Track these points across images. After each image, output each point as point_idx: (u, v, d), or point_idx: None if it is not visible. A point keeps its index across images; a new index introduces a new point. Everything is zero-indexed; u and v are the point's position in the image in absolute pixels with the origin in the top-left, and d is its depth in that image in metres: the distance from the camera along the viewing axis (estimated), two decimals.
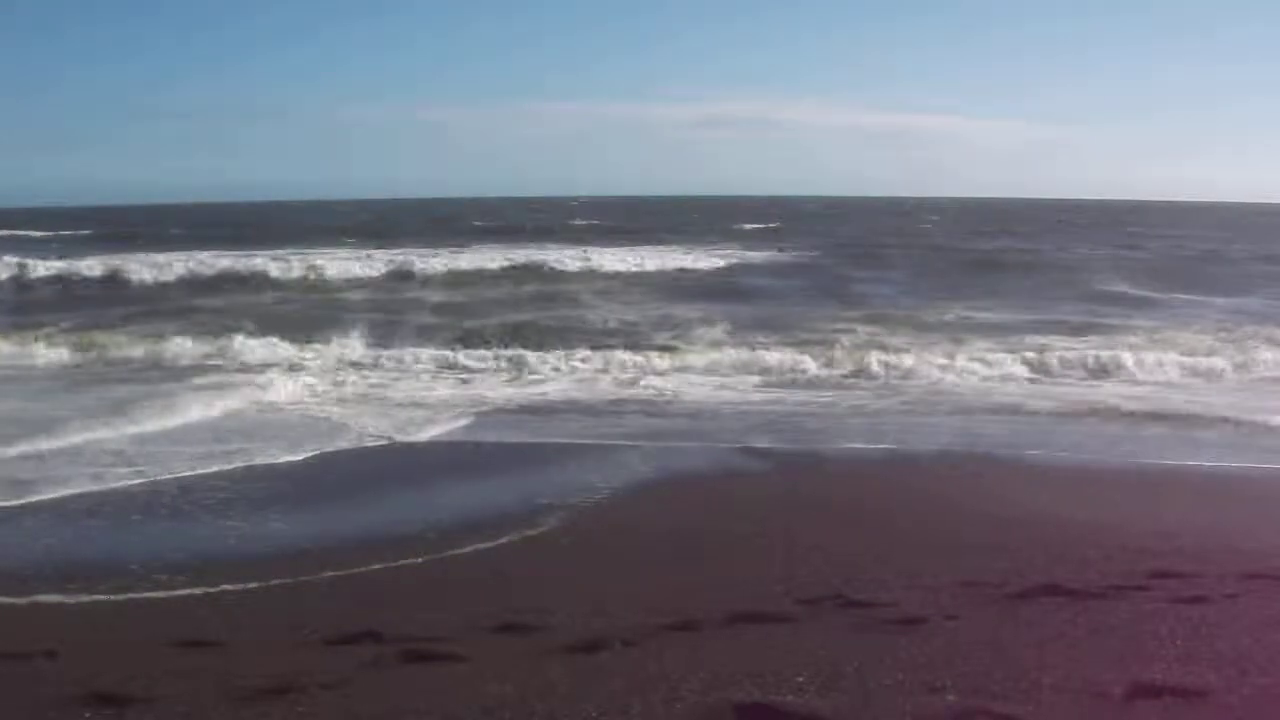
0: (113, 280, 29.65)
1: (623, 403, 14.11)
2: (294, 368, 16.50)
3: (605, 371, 16.30)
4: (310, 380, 14.90)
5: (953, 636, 4.94)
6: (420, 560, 7.33)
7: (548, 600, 6.16)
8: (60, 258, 33.93)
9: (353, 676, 4.64)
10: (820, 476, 10.16)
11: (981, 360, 17.05)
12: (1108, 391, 14.84)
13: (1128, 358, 16.96)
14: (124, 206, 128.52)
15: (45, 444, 10.78)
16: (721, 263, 35.41)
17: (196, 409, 12.68)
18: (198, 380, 15.22)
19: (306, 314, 23.49)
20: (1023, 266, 35.61)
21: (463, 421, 12.65)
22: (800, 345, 18.91)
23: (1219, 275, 32.67)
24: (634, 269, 31.85)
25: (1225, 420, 12.53)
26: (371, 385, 15.09)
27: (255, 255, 36.49)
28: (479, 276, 30.51)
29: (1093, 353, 17.70)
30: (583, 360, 17.24)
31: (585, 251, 36.98)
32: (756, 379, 15.85)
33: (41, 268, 30.97)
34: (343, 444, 11.40)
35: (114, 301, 25.82)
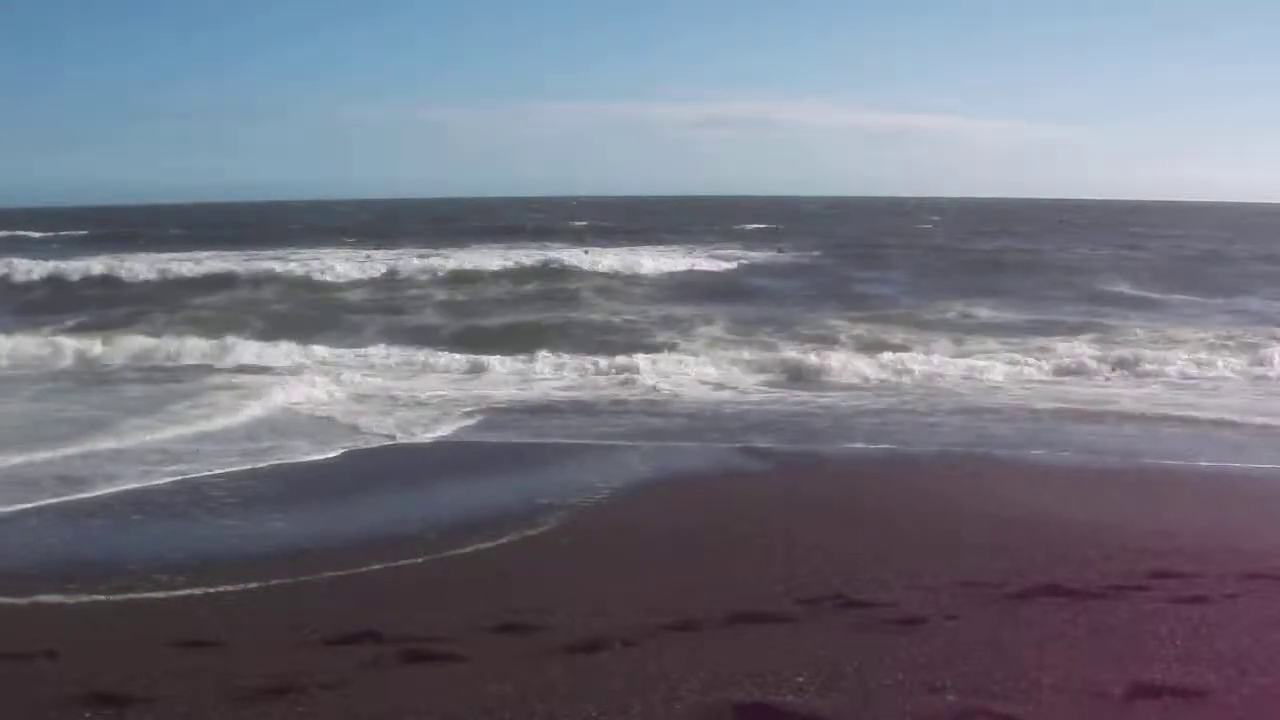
0: (113, 280, 29.62)
1: (623, 402, 14.10)
2: (304, 370, 16.53)
3: (606, 371, 16.30)
4: (323, 381, 14.91)
5: (953, 636, 4.94)
6: (420, 560, 7.33)
7: (548, 600, 6.16)
8: (60, 258, 33.91)
9: (353, 676, 4.64)
10: (820, 476, 10.16)
11: (982, 360, 17.07)
12: (1109, 392, 14.85)
13: (1130, 358, 16.98)
14: (124, 206, 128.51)
15: (102, 444, 10.95)
16: (721, 263, 35.40)
17: (223, 411, 12.80)
18: (214, 380, 15.35)
19: (309, 314, 23.50)
20: (1023, 266, 35.60)
21: (463, 422, 12.64)
22: (800, 345, 18.94)
23: (1222, 275, 32.68)
24: (634, 269, 31.83)
25: (1227, 422, 12.53)
26: (374, 385, 15.08)
27: (256, 255, 36.53)
28: (480, 276, 30.51)
29: (1094, 353, 17.73)
30: (583, 360, 17.30)
31: (587, 251, 37.00)
32: (756, 379, 15.86)
33: (40, 268, 30.93)
34: (351, 445, 11.36)
35: (116, 301, 25.83)
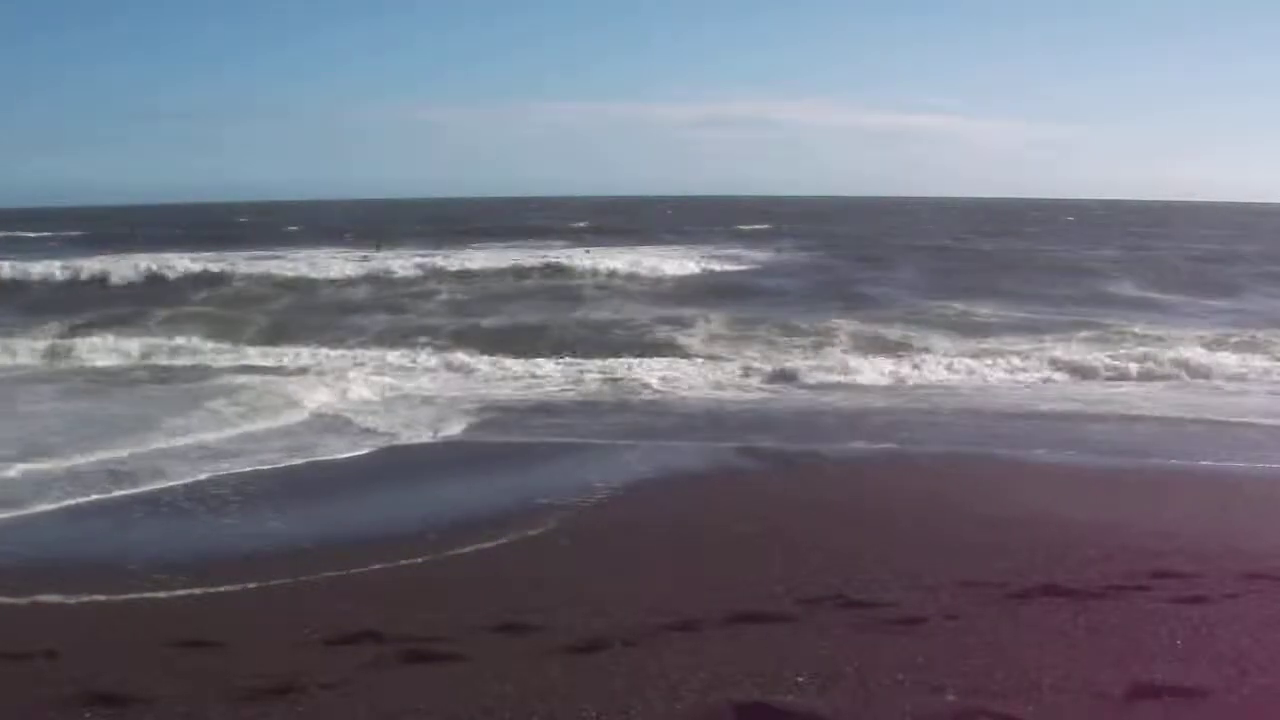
0: (113, 280, 29.61)
1: (623, 402, 14.12)
2: (308, 369, 16.60)
3: (606, 371, 16.31)
4: (355, 380, 15.07)
5: (953, 636, 4.94)
6: (420, 560, 7.32)
7: (548, 600, 6.16)
8: (59, 258, 33.89)
9: (353, 676, 4.64)
10: (820, 476, 10.16)
11: (982, 360, 17.08)
12: (1109, 392, 14.85)
13: (1131, 357, 16.99)
14: (121, 207, 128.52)
15: (155, 443, 11.07)
16: (721, 263, 35.38)
17: (260, 412, 12.87)
18: (230, 381, 15.40)
19: (311, 315, 23.47)
20: (1024, 266, 35.60)
21: (464, 421, 12.64)
22: (800, 344, 18.96)
23: (1223, 276, 32.66)
24: (635, 269, 31.83)
25: (1228, 422, 12.54)
26: (377, 385, 15.07)
27: (256, 255, 36.53)
28: (481, 277, 30.49)
29: (1093, 353, 17.73)
30: (584, 359, 17.35)
31: (589, 252, 37.03)
32: (755, 378, 15.86)
33: (40, 268, 30.90)
34: (358, 445, 11.36)
35: (117, 301, 25.87)
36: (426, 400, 14.04)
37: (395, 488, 9.88)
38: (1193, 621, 5.01)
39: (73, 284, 29.21)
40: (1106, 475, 10.05)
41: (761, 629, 5.33)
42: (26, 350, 18.59)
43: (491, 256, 35.57)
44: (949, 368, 16.41)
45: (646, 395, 14.66)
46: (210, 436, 11.52)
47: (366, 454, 11.03)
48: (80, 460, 10.29)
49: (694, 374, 16.07)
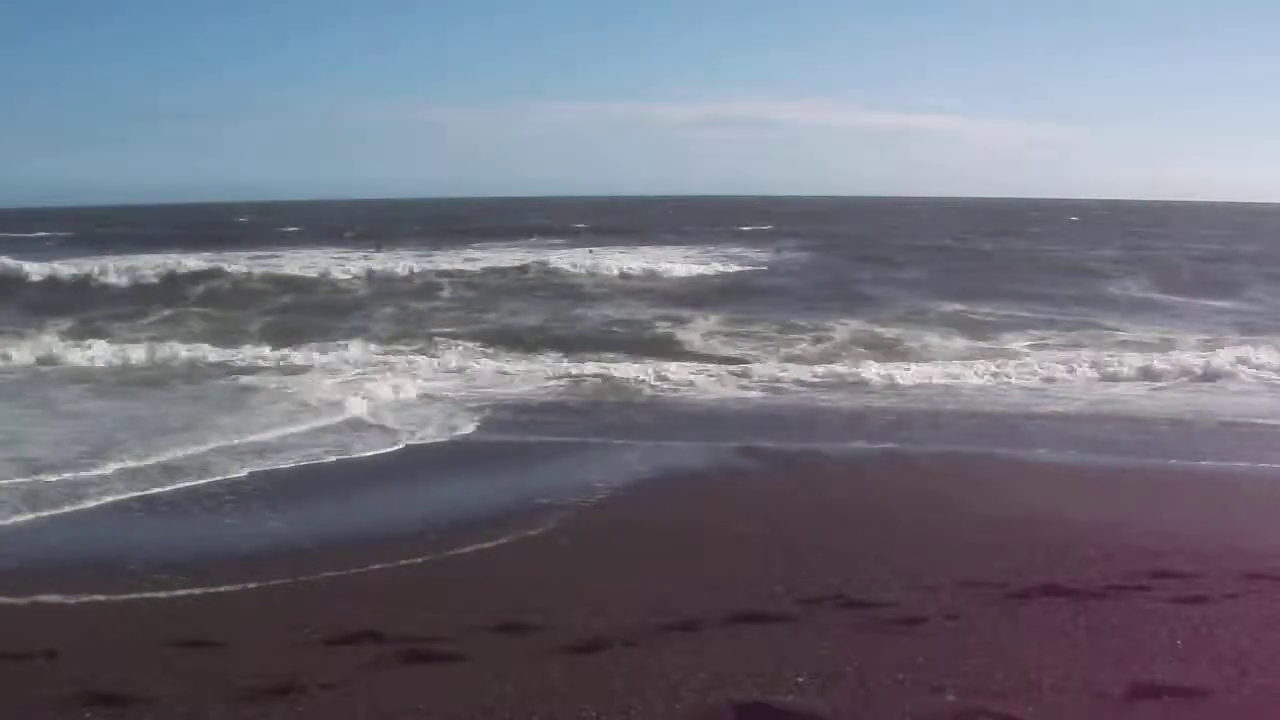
0: (112, 280, 29.56)
1: (624, 401, 14.13)
2: (312, 369, 16.68)
3: (607, 371, 16.32)
4: (387, 382, 15.07)
5: (953, 636, 4.94)
6: (420, 560, 7.33)
7: (548, 600, 6.16)
8: (60, 258, 33.87)
9: (353, 676, 4.64)
10: (820, 476, 10.16)
11: (982, 360, 17.08)
12: (1109, 392, 14.85)
13: (1133, 357, 16.99)
14: (120, 207, 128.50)
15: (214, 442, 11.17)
16: (721, 263, 35.40)
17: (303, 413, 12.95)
18: (251, 380, 15.55)
19: (315, 315, 23.45)
20: (1024, 266, 35.59)
21: (465, 421, 12.62)
22: (800, 344, 18.97)
23: (1225, 276, 32.66)
24: (636, 270, 31.84)
25: (1228, 422, 12.54)
26: (383, 384, 15.08)
27: (257, 256, 36.53)
28: (483, 277, 30.46)
29: (1096, 353, 17.74)
30: (585, 359, 17.38)
31: (590, 252, 37.07)
32: (755, 378, 15.85)
33: (39, 269, 30.87)
34: (368, 447, 11.33)
35: (118, 301, 25.92)
36: (427, 401, 14.02)
37: (396, 487, 9.88)
38: (1193, 621, 5.01)
39: (71, 284, 29.13)
40: (1106, 475, 10.06)
41: (761, 629, 5.33)
42: (34, 350, 18.54)
43: (493, 257, 35.55)
44: (949, 367, 16.40)
45: (647, 395, 14.66)
46: (268, 436, 11.64)
47: (369, 455, 11.02)
48: (167, 457, 10.47)
49: (694, 374, 16.06)
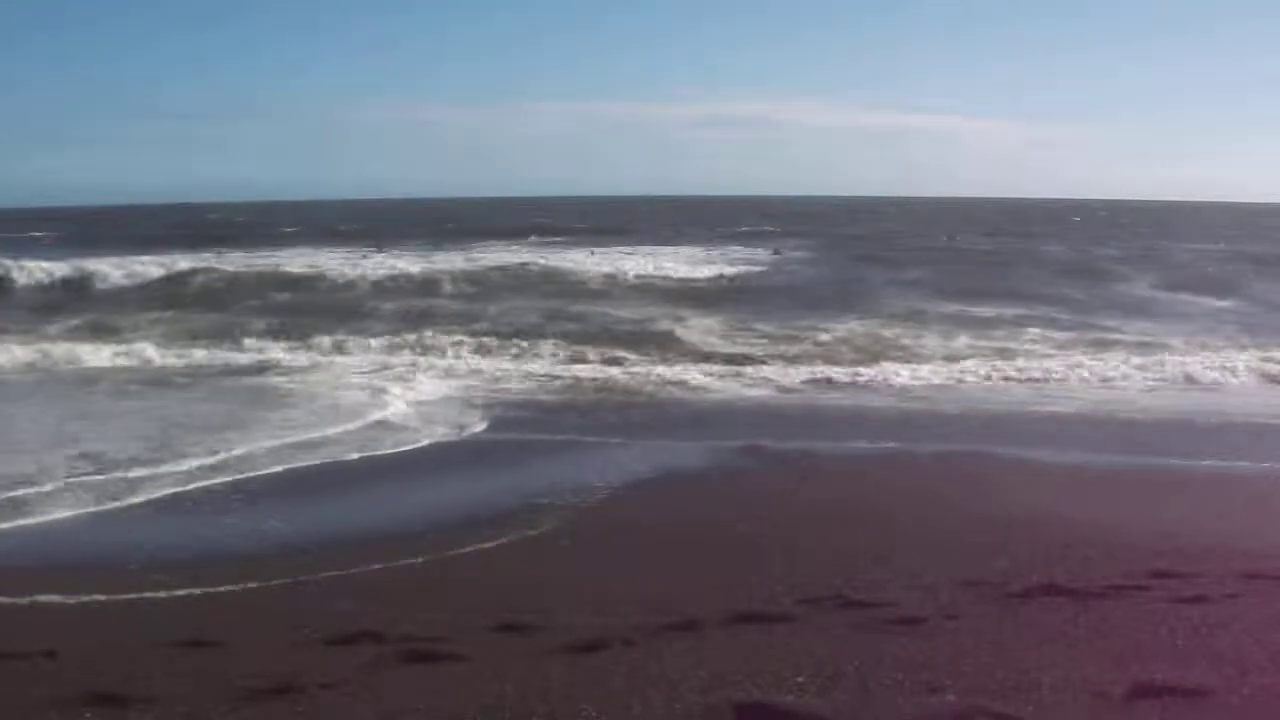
0: (115, 280, 29.54)
1: (624, 401, 14.14)
2: (315, 367, 16.77)
3: (607, 371, 16.33)
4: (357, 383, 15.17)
5: (953, 636, 4.94)
6: (420, 560, 7.33)
7: (548, 600, 6.16)
8: (57, 259, 33.82)
9: (353, 676, 4.64)
10: (820, 476, 10.16)
11: (983, 359, 17.08)
12: (1109, 392, 14.85)
13: (1134, 357, 17.00)
14: (115, 207, 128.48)
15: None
16: (721, 263, 35.41)
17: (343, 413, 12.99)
18: (260, 381, 15.63)
19: (319, 315, 23.40)
20: (1023, 266, 35.58)
21: (466, 421, 12.62)
22: (799, 344, 18.97)
23: (1226, 276, 32.64)
24: (635, 269, 31.85)
25: (1228, 422, 12.55)
26: (381, 384, 15.13)
27: (258, 256, 36.51)
28: (484, 277, 30.43)
29: (1096, 353, 17.73)
30: (585, 360, 17.40)
31: (592, 253, 37.10)
32: (755, 377, 15.85)
33: (36, 269, 30.80)
34: (372, 447, 11.36)
35: (120, 301, 25.92)
36: (429, 400, 14.02)
37: (396, 487, 9.87)
38: (1193, 621, 5.01)
39: (70, 284, 29.09)
40: (1106, 475, 10.06)
41: (761, 629, 5.33)
42: (38, 351, 18.52)
43: (494, 256, 35.55)
44: (949, 367, 16.40)
45: (646, 394, 14.66)
46: (310, 435, 11.78)
47: (372, 455, 11.01)
48: (241, 451, 10.75)
49: (694, 373, 16.07)
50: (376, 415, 12.81)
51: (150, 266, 30.69)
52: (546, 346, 18.68)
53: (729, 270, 33.65)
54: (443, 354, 18.17)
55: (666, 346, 18.87)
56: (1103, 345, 18.90)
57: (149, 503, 9.10)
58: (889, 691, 4.12)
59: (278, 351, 18.37)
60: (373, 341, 19.31)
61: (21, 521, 8.50)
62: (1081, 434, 11.96)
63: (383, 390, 14.47)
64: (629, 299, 26.43)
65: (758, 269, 34.53)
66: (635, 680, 4.37)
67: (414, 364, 17.18)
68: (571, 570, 7.13)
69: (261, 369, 16.78)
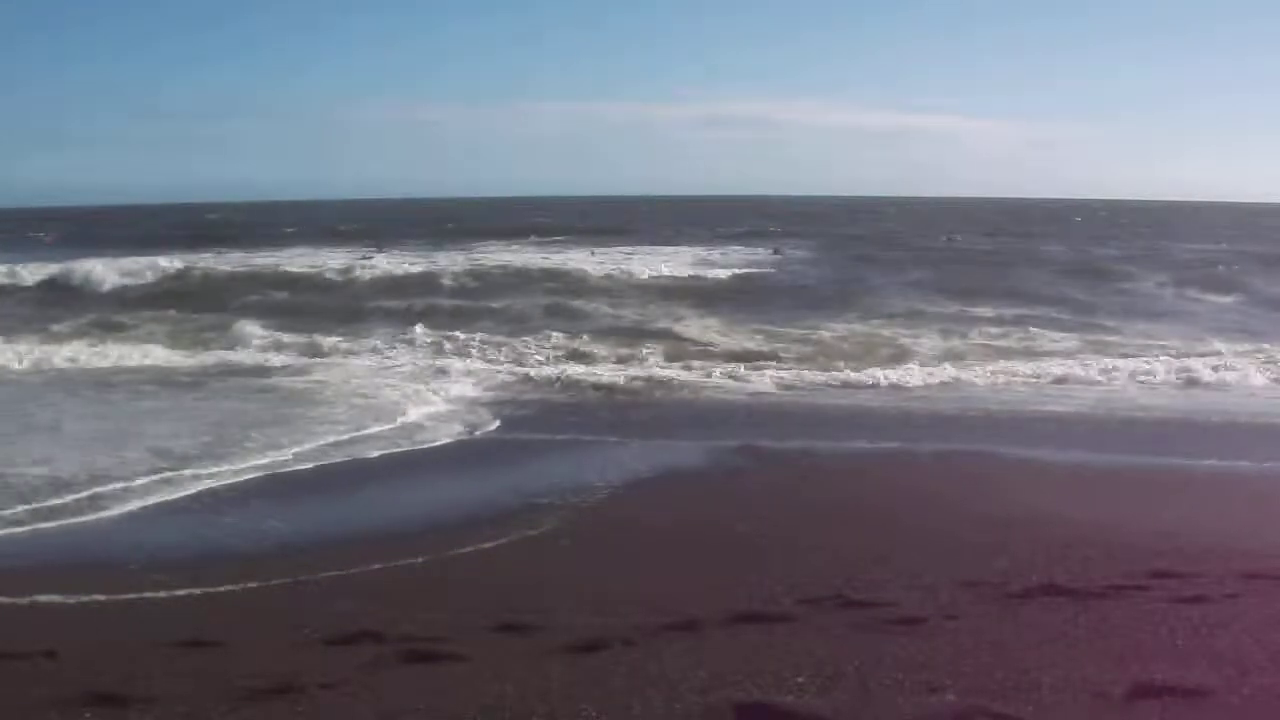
0: (113, 281, 29.48)
1: (624, 401, 14.16)
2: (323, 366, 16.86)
3: (608, 371, 16.33)
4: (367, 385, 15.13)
5: (953, 636, 4.94)
6: (420, 560, 7.33)
7: (548, 600, 6.17)
8: (61, 258, 33.82)
9: (353, 676, 4.64)
10: (820, 476, 10.16)
11: (984, 359, 17.08)
12: (1112, 393, 14.85)
13: (1134, 356, 16.99)
14: (113, 207, 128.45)
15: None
16: (721, 264, 35.41)
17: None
18: (272, 381, 15.60)
19: (324, 315, 23.41)
20: (1023, 266, 35.57)
21: (464, 420, 12.62)
22: (799, 344, 18.96)
23: (1227, 276, 32.65)
24: (635, 269, 31.83)
25: (1228, 422, 12.55)
26: (390, 383, 15.12)
27: (258, 256, 36.50)
28: (486, 278, 30.39)
29: (1096, 353, 17.74)
30: (587, 359, 17.41)
31: (593, 254, 37.11)
32: (756, 377, 15.84)
33: (35, 269, 30.79)
34: (374, 447, 11.35)
35: (121, 301, 25.93)
36: (428, 400, 14.01)
37: (396, 487, 9.87)
38: (1193, 621, 5.01)
39: (69, 285, 29.02)
40: (1106, 475, 10.06)
41: (761, 629, 5.33)
42: (48, 351, 18.51)
43: (495, 257, 35.53)
44: (949, 367, 16.39)
45: (647, 394, 14.66)
46: (370, 430, 11.97)
47: (373, 456, 11.01)
48: (310, 446, 10.99)
49: (694, 373, 16.08)
50: (413, 414, 12.87)
51: (150, 267, 30.65)
52: (546, 346, 18.69)
53: (729, 270, 33.64)
54: (443, 354, 18.14)
55: (667, 346, 18.86)
56: (1103, 345, 18.89)
57: (246, 493, 9.39)
58: (889, 691, 4.12)
59: (283, 352, 18.36)
60: (377, 341, 19.32)
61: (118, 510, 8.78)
62: (1081, 434, 11.96)
63: (395, 388, 14.54)
64: (629, 299, 26.41)
65: (758, 269, 34.52)
66: (635, 680, 4.38)
67: (413, 364, 17.18)
68: (571, 570, 7.13)
69: (270, 370, 16.72)
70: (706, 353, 18.27)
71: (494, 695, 4.24)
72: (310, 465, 10.36)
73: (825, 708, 3.93)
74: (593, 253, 37.75)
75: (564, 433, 12.10)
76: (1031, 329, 20.85)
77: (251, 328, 20.86)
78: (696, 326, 21.30)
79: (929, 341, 19.33)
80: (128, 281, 29.00)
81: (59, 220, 77.81)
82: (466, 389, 14.91)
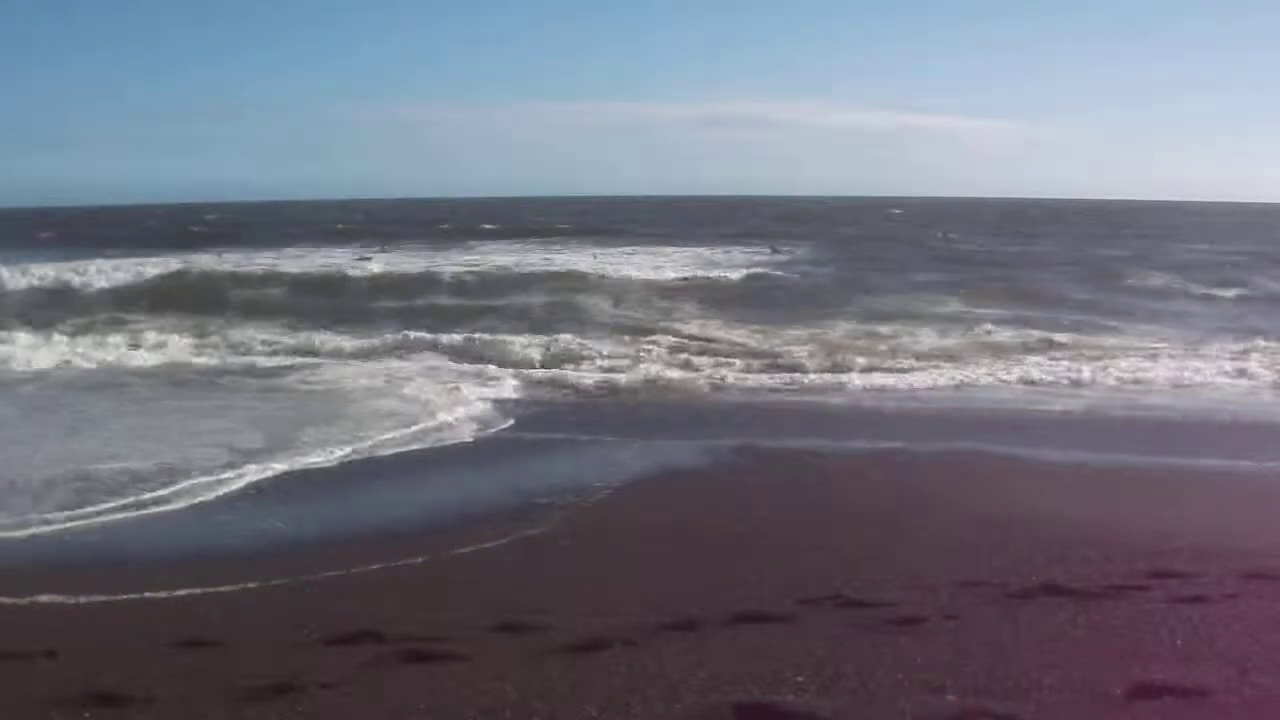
0: (114, 281, 29.46)
1: (623, 401, 14.17)
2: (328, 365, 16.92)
3: (608, 371, 16.34)
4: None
5: (953, 636, 4.94)
6: (420, 560, 7.33)
7: (548, 600, 6.16)
8: (61, 258, 33.80)
9: (353, 676, 4.64)
10: (820, 476, 10.16)
11: (984, 359, 17.09)
12: (1112, 393, 14.85)
13: (1133, 356, 16.99)
14: (110, 207, 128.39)
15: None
16: (721, 264, 35.41)
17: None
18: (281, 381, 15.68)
19: (327, 315, 23.37)
20: (1022, 265, 35.59)
21: (466, 422, 12.61)
22: (799, 344, 18.96)
23: (1231, 275, 32.61)
24: (635, 269, 31.85)
25: (1229, 422, 12.55)
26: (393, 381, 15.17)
27: (259, 256, 36.49)
28: (487, 278, 30.37)
29: (1096, 353, 17.73)
30: (587, 359, 17.42)
31: (595, 255, 37.11)
32: (756, 378, 15.84)
33: (34, 269, 30.73)
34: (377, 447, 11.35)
35: (121, 302, 25.84)
36: (429, 400, 14.01)
37: (397, 487, 9.87)
38: (1193, 621, 5.01)
39: (68, 285, 28.96)
40: (1106, 475, 10.05)
41: (761, 629, 5.33)
42: (54, 352, 18.49)
43: (495, 257, 35.52)
44: (949, 367, 16.39)
45: (647, 394, 14.67)
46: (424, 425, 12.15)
47: (373, 456, 11.00)
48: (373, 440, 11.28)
49: (694, 373, 16.08)
50: (442, 415, 12.82)
51: (151, 266, 30.63)
52: (546, 346, 18.69)
53: (728, 270, 33.64)
54: (445, 354, 18.16)
55: (668, 346, 18.86)
56: (1104, 344, 18.89)
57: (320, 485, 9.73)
58: (889, 691, 4.12)
59: (288, 353, 18.36)
60: (379, 341, 19.32)
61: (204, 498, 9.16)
62: (1081, 434, 11.95)
63: (403, 386, 14.62)
64: (630, 298, 26.42)
65: (757, 269, 34.51)
66: (635, 680, 4.38)
67: (417, 365, 17.19)
68: (571, 570, 7.13)
69: (282, 371, 16.69)
70: (707, 352, 18.28)
71: (494, 695, 4.24)
72: (300, 467, 10.30)
73: (825, 708, 3.93)
74: (595, 255, 37.76)
75: (563, 432, 12.10)
76: (1031, 329, 20.85)
77: (253, 329, 20.87)
78: (697, 326, 21.32)
79: (929, 341, 19.34)
80: (128, 281, 28.98)
81: (59, 220, 77.79)
82: (471, 389, 14.90)
